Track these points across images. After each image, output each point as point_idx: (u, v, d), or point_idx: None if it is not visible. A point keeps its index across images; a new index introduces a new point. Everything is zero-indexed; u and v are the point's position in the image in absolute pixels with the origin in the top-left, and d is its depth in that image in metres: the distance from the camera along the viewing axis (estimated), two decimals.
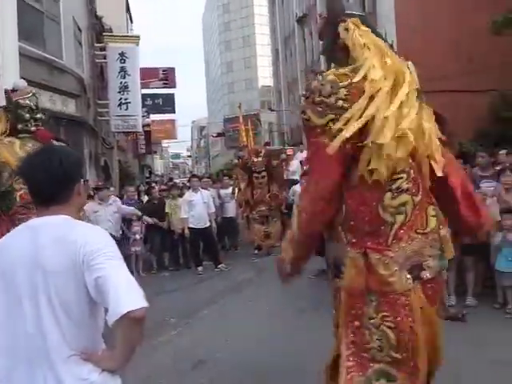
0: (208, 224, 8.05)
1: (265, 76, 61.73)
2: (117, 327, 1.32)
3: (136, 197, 8.96)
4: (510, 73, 14.87)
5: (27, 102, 4.15)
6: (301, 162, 10.98)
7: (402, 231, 2.11)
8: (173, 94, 29.26)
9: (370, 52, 2.12)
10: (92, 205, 6.80)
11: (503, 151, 6.60)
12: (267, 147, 12.45)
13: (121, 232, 7.77)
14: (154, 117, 30.99)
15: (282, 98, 32.19)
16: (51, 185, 1.50)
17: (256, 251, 8.83)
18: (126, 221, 7.91)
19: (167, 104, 29.11)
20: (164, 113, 31.14)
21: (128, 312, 1.28)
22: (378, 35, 2.29)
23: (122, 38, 16.30)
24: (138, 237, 7.70)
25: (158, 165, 63.47)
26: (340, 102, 2.04)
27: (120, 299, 1.30)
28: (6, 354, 1.44)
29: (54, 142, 4.19)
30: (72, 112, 11.32)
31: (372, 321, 2.07)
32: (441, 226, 2.22)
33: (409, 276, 2.08)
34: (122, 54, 14.80)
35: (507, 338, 3.95)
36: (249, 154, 8.85)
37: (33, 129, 4.11)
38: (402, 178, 2.12)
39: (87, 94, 13.08)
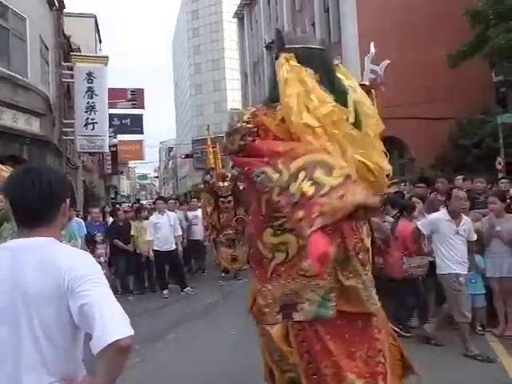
0: (174, 247, 7.97)
1: (234, 99, 62.44)
2: (101, 355, 1.27)
3: (101, 218, 8.77)
4: (466, 102, 15.73)
5: None
6: None
7: (282, 268, 2.16)
8: (141, 115, 29.08)
9: (289, 88, 2.10)
10: None
11: (460, 177, 6.95)
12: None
13: None
14: (121, 137, 30.63)
15: None
16: (37, 205, 1.46)
17: (223, 274, 8.78)
18: (90, 243, 7.73)
19: (135, 124, 28.86)
20: (132, 133, 30.83)
21: (114, 341, 1.25)
22: (328, 70, 2.27)
23: (91, 57, 16.19)
24: (102, 260, 7.51)
25: (125, 185, 62.41)
26: (244, 124, 2.12)
27: (106, 327, 1.27)
28: None
29: None
30: (36, 131, 11.06)
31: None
32: (346, 275, 2.14)
33: (278, 312, 2.17)
34: (89, 74, 14.67)
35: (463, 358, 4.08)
36: (216, 177, 8.86)
37: None
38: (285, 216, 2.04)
39: (53, 113, 12.84)
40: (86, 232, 7.66)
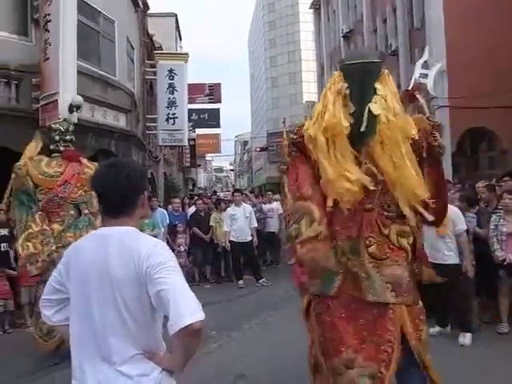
0: (249, 238, 8.11)
1: (309, 92, 61.77)
2: (176, 337, 1.42)
3: (181, 209, 9.16)
4: None
5: (57, 126, 4.87)
6: None
7: None
8: (218, 109, 29.84)
9: (317, 104, 2.71)
10: None
11: None
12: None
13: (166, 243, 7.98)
14: (199, 131, 31.70)
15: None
16: (118, 197, 1.62)
17: None
18: (171, 233, 8.11)
19: (212, 119, 29.69)
20: (209, 127, 31.77)
21: (188, 324, 1.38)
22: (364, 83, 2.51)
23: (172, 55, 16.88)
24: (182, 249, 7.87)
25: (202, 178, 64.58)
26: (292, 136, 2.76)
27: (181, 312, 1.40)
28: (78, 347, 1.59)
29: (83, 160, 4.85)
30: (123, 126, 11.78)
31: None
32: (353, 263, 2.55)
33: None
34: (170, 71, 15.32)
35: None
36: None
37: (61, 149, 4.78)
38: None
39: (137, 109, 13.60)
40: (168, 222, 8.05)
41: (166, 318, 1.50)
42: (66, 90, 8.21)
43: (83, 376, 1.55)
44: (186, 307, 1.41)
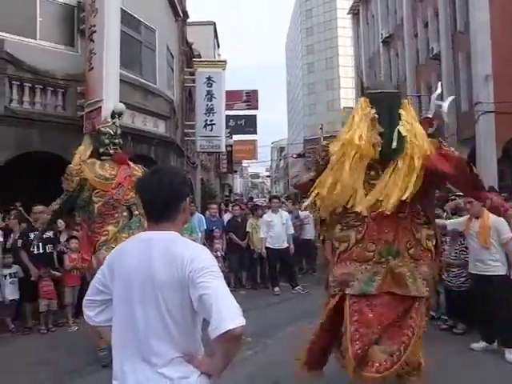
0: (286, 245, 8.05)
1: (347, 97, 61.11)
2: (217, 341, 1.43)
3: (217, 214, 9.22)
4: None
5: (107, 129, 4.86)
6: None
7: (344, 255, 3.10)
8: (255, 116, 30.04)
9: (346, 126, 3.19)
10: None
11: None
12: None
13: None
14: (236, 137, 31.98)
15: None
16: (161, 203, 1.66)
17: None
18: (209, 238, 8.18)
19: (249, 125, 29.91)
20: (246, 133, 32.01)
21: (229, 329, 1.40)
22: (391, 109, 3.07)
23: (210, 63, 17.16)
24: (219, 254, 7.90)
25: (238, 184, 65.01)
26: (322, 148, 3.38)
27: (222, 317, 1.42)
28: (120, 348, 1.62)
29: (131, 164, 4.95)
30: (162, 132, 12.06)
31: None
32: (396, 264, 3.00)
33: (335, 287, 3.13)
34: (209, 78, 15.56)
35: None
36: None
37: (111, 152, 4.82)
38: (350, 216, 3.08)
39: (176, 116, 13.88)
40: (205, 227, 8.12)
41: (206, 322, 1.51)
42: (109, 97, 8.48)
43: (124, 376, 1.58)
44: (228, 312, 1.43)
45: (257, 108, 28.86)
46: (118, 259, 1.68)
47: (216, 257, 8.14)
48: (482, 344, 4.62)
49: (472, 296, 4.99)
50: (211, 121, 15.63)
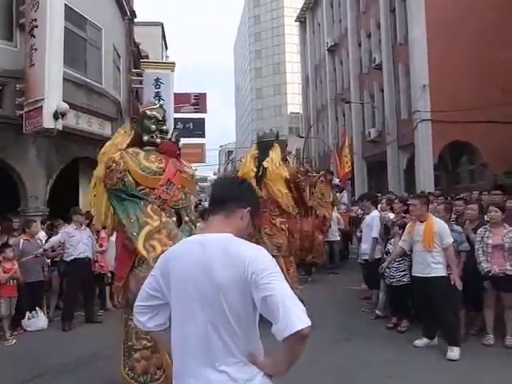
0: None
1: (294, 103, 62.34)
2: (285, 342, 1.42)
3: None
4: None
5: (154, 113, 3.92)
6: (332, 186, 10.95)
7: None
8: (203, 119, 29.79)
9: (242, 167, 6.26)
10: (68, 229, 6.62)
11: None
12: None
13: None
14: (184, 140, 31.55)
15: (311, 125, 32.39)
16: (226, 197, 1.72)
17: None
18: None
19: (197, 128, 29.61)
20: (194, 137, 31.66)
21: (299, 330, 1.39)
22: (266, 151, 5.86)
23: (158, 64, 16.89)
24: None
25: None
26: None
27: (291, 318, 1.41)
28: (181, 351, 1.60)
29: (178, 156, 4.01)
30: (108, 134, 11.66)
31: None
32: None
33: None
34: (157, 80, 15.31)
35: None
36: None
37: (158, 141, 3.84)
38: None
39: (123, 117, 13.50)
40: None
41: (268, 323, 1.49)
42: (52, 96, 8.11)
43: (188, 379, 1.56)
44: (296, 313, 1.42)
45: (205, 111, 28.65)
46: (173, 263, 1.64)
47: None
48: (424, 340, 4.84)
49: (413, 295, 5.24)
50: None
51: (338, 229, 9.90)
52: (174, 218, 3.63)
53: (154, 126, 3.84)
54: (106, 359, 4.40)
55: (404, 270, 5.42)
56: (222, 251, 1.56)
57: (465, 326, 5.07)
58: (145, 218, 3.42)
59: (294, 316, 1.41)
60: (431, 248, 4.67)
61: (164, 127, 3.93)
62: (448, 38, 16.28)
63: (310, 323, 1.42)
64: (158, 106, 4.06)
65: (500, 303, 4.87)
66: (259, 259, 1.53)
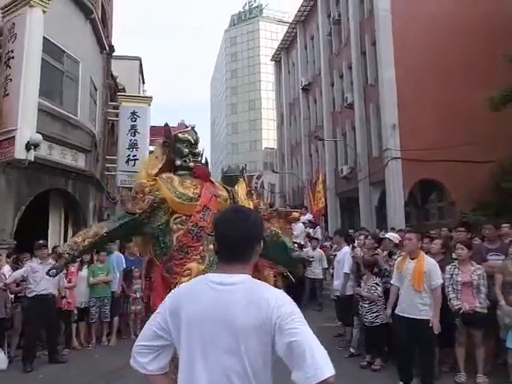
0: None
1: (268, 138, 63.39)
2: None
3: (138, 253, 8.84)
4: (509, 144, 15.34)
5: (186, 135, 3.76)
6: (304, 223, 11.01)
7: None
8: None
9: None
10: (32, 264, 6.32)
11: (506, 225, 6.65)
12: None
13: (121, 289, 7.65)
14: None
15: (285, 161, 32.87)
16: (241, 243, 1.58)
17: None
18: (127, 279, 7.81)
19: None
20: None
21: (327, 377, 1.37)
22: (232, 184, 4.21)
23: (135, 98, 16.91)
24: (138, 295, 7.56)
25: None
26: None
27: (319, 365, 1.38)
28: None
29: (212, 180, 3.94)
30: (81, 166, 11.52)
31: None
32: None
33: None
34: (133, 113, 15.31)
35: None
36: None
37: (191, 164, 3.69)
38: None
39: (97, 150, 13.39)
40: (124, 266, 7.77)
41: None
42: (25, 126, 8.02)
43: None
44: (324, 360, 1.40)
45: None
46: (186, 302, 1.55)
47: (135, 298, 7.83)
48: None
49: (390, 334, 5.14)
50: (134, 156, 15.26)
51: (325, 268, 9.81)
52: (211, 246, 3.36)
53: (186, 150, 3.71)
54: None
55: (377, 311, 5.42)
56: (246, 295, 1.49)
57: (438, 363, 5.08)
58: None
59: (322, 363, 1.39)
60: (420, 289, 4.52)
61: (197, 150, 3.79)
62: (416, 80, 17.11)
63: (333, 372, 1.40)
64: (190, 128, 3.89)
65: (471, 340, 4.93)
66: (284, 304, 1.48)
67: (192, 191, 3.52)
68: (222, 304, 1.49)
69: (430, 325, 4.47)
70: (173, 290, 1.70)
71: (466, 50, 17.15)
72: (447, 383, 4.75)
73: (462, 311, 4.78)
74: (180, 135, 3.75)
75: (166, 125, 3.85)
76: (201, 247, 3.41)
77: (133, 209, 3.46)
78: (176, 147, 3.70)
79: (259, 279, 3.31)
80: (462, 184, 16.51)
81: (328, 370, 1.38)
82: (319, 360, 1.39)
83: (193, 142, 3.76)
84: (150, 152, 20.81)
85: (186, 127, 3.87)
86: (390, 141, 17.74)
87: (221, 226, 1.64)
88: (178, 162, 3.66)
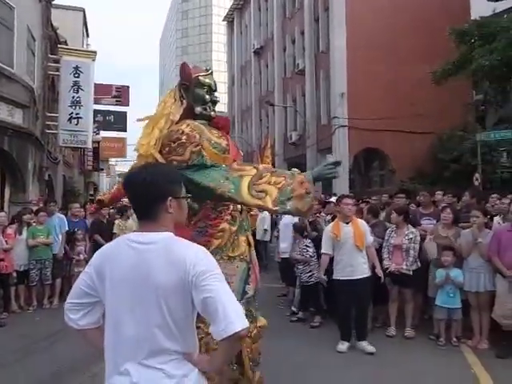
0: None
1: (219, 102, 62.26)
2: (223, 342, 1.47)
3: (83, 214, 8.60)
4: (448, 118, 16.15)
5: (207, 80, 3.21)
6: None
7: None
8: (125, 113, 28.71)
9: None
10: None
11: (440, 192, 7.17)
12: None
13: (63, 252, 7.46)
14: (104, 134, 30.22)
15: (236, 125, 32.65)
16: (144, 201, 1.63)
17: None
18: (70, 241, 7.62)
19: (119, 122, 28.49)
20: (115, 130, 30.43)
21: (237, 331, 1.44)
22: None
23: (78, 51, 15.94)
24: (82, 257, 7.41)
25: (104, 182, 61.49)
26: None
27: (230, 319, 1.45)
28: (115, 350, 1.58)
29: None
30: (19, 123, 10.84)
31: None
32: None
33: None
34: (76, 68, 14.47)
35: (439, 368, 4.20)
36: None
37: (212, 113, 3.19)
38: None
39: (36, 106, 12.60)
40: (67, 228, 7.56)
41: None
42: None
43: (121, 378, 1.54)
44: (235, 314, 1.47)
45: (128, 105, 27.61)
46: (109, 262, 1.60)
47: (78, 260, 7.66)
48: (345, 344, 4.85)
49: (326, 294, 5.48)
50: (77, 114, 14.54)
51: (265, 229, 10.06)
52: (239, 206, 3.05)
53: (208, 96, 3.18)
54: (11, 366, 4.12)
55: (310, 271, 5.75)
56: (162, 254, 1.54)
57: (371, 319, 5.46)
58: (235, 174, 2.71)
59: (233, 317, 1.45)
60: (363, 247, 4.77)
61: (217, 98, 3.29)
62: (366, 50, 17.37)
63: (247, 324, 1.48)
64: (210, 72, 3.33)
65: (401, 297, 5.33)
66: (200, 261, 1.54)
67: (224, 142, 3.05)
68: (141, 264, 1.54)
69: (381, 275, 4.89)
70: (99, 250, 1.72)
71: (413, 25, 17.58)
72: (379, 337, 5.11)
73: (388, 271, 5.14)
74: (201, 78, 3.20)
75: (185, 64, 3.28)
76: (231, 206, 2.99)
77: (175, 158, 2.83)
78: (195, 92, 3.16)
79: (211, 232, 2.89)
80: (403, 154, 17.30)
81: (240, 323, 1.45)
82: (231, 314, 1.46)
83: (214, 88, 3.26)
84: (95, 111, 19.99)
85: (207, 70, 3.32)
86: (338, 109, 18.07)
87: (127, 184, 1.70)
88: (199, 110, 3.11)
